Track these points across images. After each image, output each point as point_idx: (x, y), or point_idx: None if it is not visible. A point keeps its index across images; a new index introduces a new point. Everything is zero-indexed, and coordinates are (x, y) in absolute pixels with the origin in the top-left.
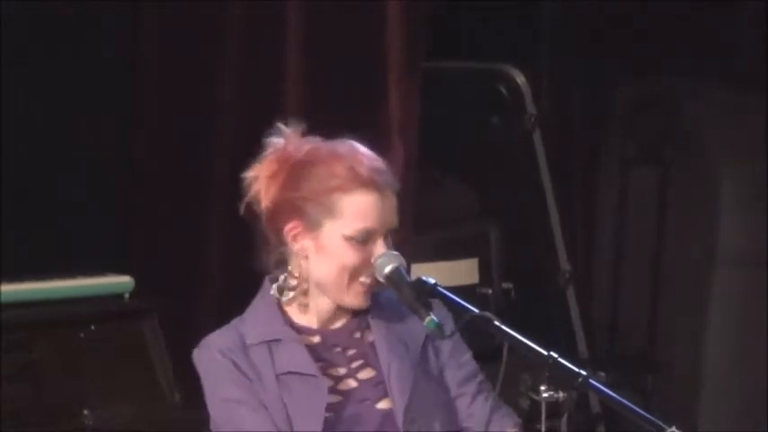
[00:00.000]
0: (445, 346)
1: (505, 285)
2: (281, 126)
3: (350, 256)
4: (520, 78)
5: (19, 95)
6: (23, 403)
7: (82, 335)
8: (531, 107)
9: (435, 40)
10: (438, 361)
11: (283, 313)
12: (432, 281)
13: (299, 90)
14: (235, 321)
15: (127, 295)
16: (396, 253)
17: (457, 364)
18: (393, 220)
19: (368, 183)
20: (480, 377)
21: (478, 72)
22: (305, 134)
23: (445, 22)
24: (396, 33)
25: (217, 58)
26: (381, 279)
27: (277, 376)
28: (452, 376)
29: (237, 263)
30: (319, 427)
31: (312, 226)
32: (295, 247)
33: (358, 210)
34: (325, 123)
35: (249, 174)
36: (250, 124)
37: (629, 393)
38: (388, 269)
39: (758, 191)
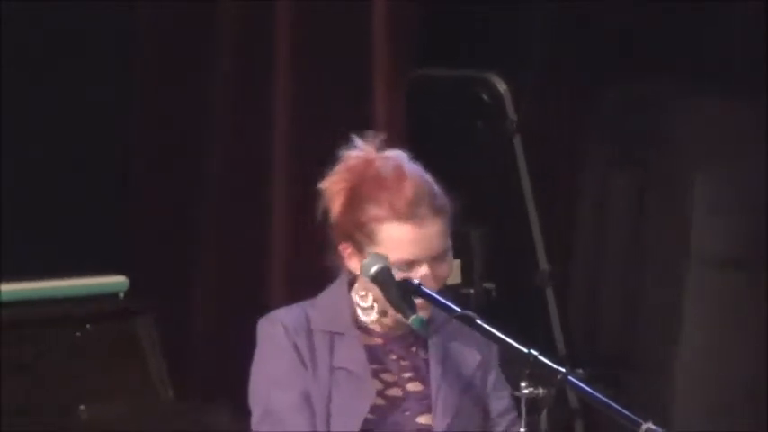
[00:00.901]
0: (491, 377)
1: (487, 285)
2: (356, 139)
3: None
4: (501, 86)
5: (20, 96)
6: (21, 399)
7: (78, 333)
8: (512, 113)
9: (423, 49)
10: (483, 388)
11: (352, 309)
12: (416, 281)
13: (291, 96)
14: (304, 303)
15: (122, 294)
16: (383, 254)
17: (498, 396)
18: (437, 246)
19: (404, 215)
20: (515, 413)
21: (463, 80)
22: (380, 147)
23: (432, 30)
24: (383, 42)
25: (213, 59)
26: (367, 278)
27: (331, 368)
28: (493, 407)
29: (230, 264)
30: (357, 426)
31: (359, 250)
32: (350, 266)
33: (394, 240)
34: (317, 125)
35: (322, 185)
36: (244, 127)
37: (606, 390)
38: (374, 269)
39: (733, 194)
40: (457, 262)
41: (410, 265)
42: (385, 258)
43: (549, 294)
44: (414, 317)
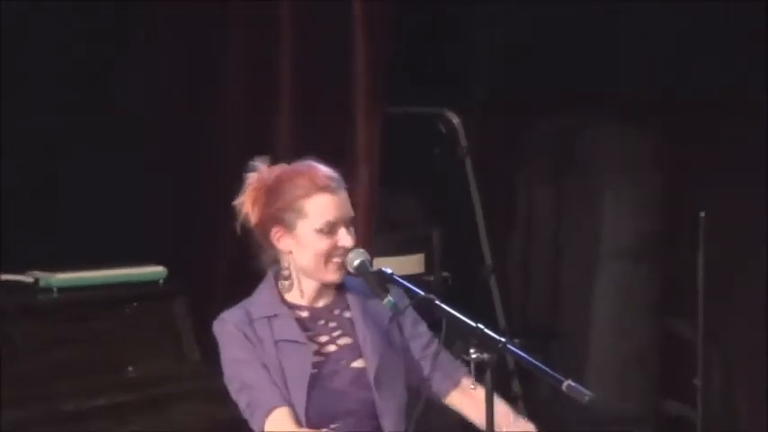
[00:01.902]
0: (406, 323)
1: (444, 274)
2: (254, 163)
3: (322, 244)
4: (455, 119)
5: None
6: (83, 362)
7: (127, 310)
8: (463, 141)
9: (393, 90)
10: (402, 335)
11: (280, 296)
12: (389, 270)
13: (293, 121)
14: (243, 302)
15: (161, 281)
16: (363, 250)
17: (417, 333)
18: (349, 211)
19: (323, 187)
20: (435, 341)
21: (425, 115)
22: (273, 164)
23: (400, 74)
24: (363, 85)
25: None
26: (351, 270)
27: (275, 342)
28: (415, 345)
29: (242, 259)
30: (306, 380)
31: (290, 228)
32: (280, 246)
33: (319, 208)
34: (313, 142)
35: (237, 201)
36: (255, 141)
37: (536, 355)
38: (356, 263)
39: (632, 202)
40: (421, 255)
41: (333, 226)
42: (363, 253)
43: (492, 282)
44: (387, 299)
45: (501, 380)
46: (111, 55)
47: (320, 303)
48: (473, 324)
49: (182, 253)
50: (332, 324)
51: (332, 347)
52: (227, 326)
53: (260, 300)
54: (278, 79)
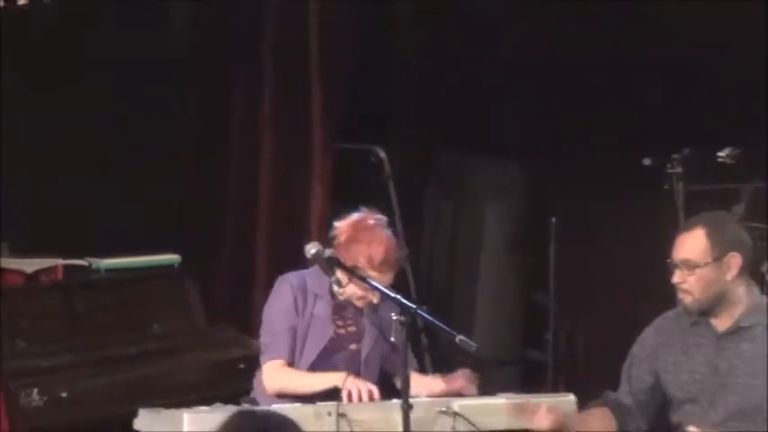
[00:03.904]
0: (396, 332)
1: None
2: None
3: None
4: (381, 153)
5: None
6: (122, 321)
7: (153, 285)
8: (387, 169)
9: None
10: (390, 329)
11: (329, 284)
12: (328, 253)
13: (272, 150)
14: (304, 272)
15: (176, 265)
16: (317, 243)
17: (398, 333)
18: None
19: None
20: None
21: (361, 150)
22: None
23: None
24: (319, 126)
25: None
26: (309, 256)
27: (311, 315)
28: (389, 357)
29: (244, 249)
30: (318, 350)
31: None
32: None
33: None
34: (284, 168)
35: (336, 224)
36: (247, 162)
37: (437, 318)
38: (313, 251)
39: (508, 209)
40: None
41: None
42: (318, 244)
43: (408, 267)
44: (334, 278)
45: (413, 336)
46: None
47: (348, 302)
48: (393, 294)
49: (192, 245)
50: (349, 314)
51: (342, 331)
52: (286, 284)
53: (316, 278)
54: (262, 124)
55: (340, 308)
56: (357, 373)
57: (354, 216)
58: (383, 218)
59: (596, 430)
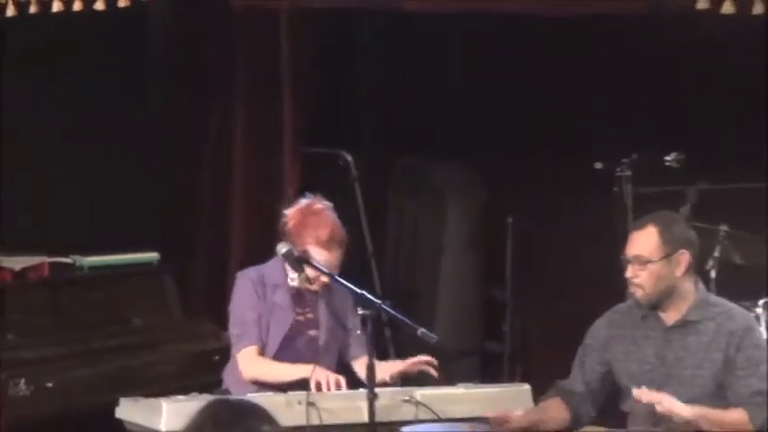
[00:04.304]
0: (352, 316)
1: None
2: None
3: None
4: (348, 157)
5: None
6: (105, 315)
7: (134, 281)
8: (353, 171)
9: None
10: (345, 317)
11: (285, 272)
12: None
13: (247, 153)
14: (260, 266)
15: (155, 262)
16: (287, 242)
17: (353, 322)
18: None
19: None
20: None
21: (329, 154)
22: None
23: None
24: (289, 134)
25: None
26: (279, 255)
27: (272, 304)
28: (350, 328)
29: (219, 248)
30: (281, 335)
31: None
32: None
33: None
34: (258, 169)
35: (286, 212)
36: (224, 168)
37: (400, 312)
38: (284, 250)
39: (467, 210)
40: None
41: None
42: (288, 244)
43: (372, 264)
44: (303, 275)
45: (378, 329)
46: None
47: (303, 288)
48: (359, 291)
49: (170, 244)
50: (306, 302)
51: (301, 318)
52: (246, 279)
53: (273, 270)
54: (236, 129)
55: (298, 296)
56: (316, 358)
57: (302, 202)
58: (328, 203)
59: (553, 420)
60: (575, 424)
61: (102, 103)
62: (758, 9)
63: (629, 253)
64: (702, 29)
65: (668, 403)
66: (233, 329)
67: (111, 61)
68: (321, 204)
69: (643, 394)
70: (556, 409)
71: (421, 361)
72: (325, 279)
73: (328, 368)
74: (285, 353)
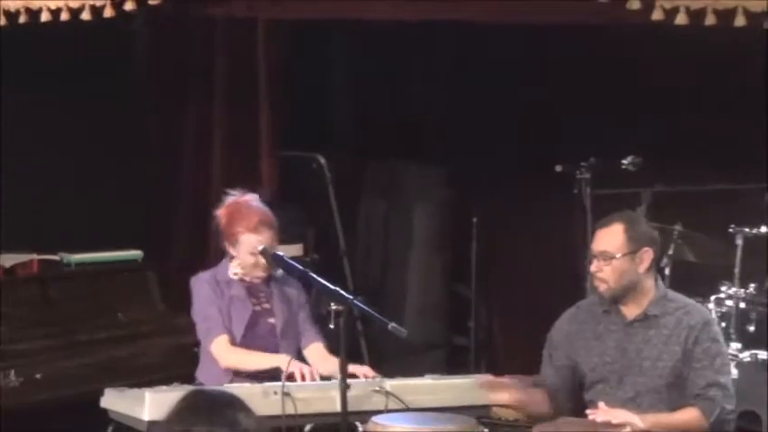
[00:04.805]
0: (302, 299)
1: (315, 256)
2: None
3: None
4: (322, 160)
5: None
6: (91, 310)
7: (118, 277)
8: (328, 174)
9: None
10: (297, 306)
11: (233, 272)
12: (281, 253)
13: (225, 157)
14: (212, 269)
15: (139, 260)
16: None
17: (304, 310)
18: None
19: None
20: (309, 314)
21: (304, 158)
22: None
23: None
24: (267, 138)
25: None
26: (258, 252)
27: (230, 297)
28: (302, 317)
29: (198, 247)
30: (243, 325)
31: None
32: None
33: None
34: (236, 171)
35: (216, 213)
36: (203, 172)
37: (371, 307)
38: (260, 248)
39: (434, 210)
40: (300, 245)
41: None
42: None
43: (345, 261)
44: (278, 271)
45: (351, 340)
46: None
47: (256, 279)
48: (332, 287)
49: (153, 242)
50: (261, 294)
51: (258, 308)
52: (201, 281)
53: (224, 270)
54: (215, 135)
55: (253, 288)
56: (277, 344)
57: (229, 200)
58: (254, 195)
59: (537, 406)
60: (555, 415)
61: (86, 107)
62: (710, 20)
63: (596, 248)
64: (657, 36)
65: (623, 417)
66: (201, 325)
67: (96, 66)
68: (247, 197)
69: (599, 413)
70: (540, 398)
71: (364, 372)
72: (262, 259)
73: (293, 351)
74: (250, 341)
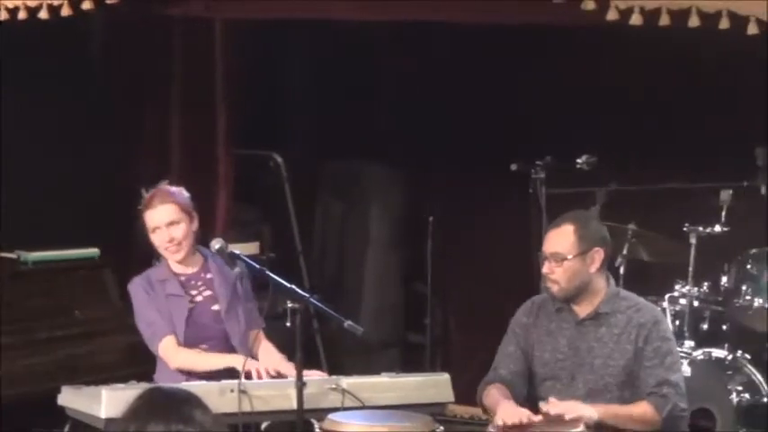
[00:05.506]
0: (246, 288)
1: (271, 255)
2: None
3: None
4: (279, 159)
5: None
6: (48, 308)
7: (75, 275)
8: (284, 173)
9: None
10: (243, 293)
11: (170, 267)
12: (237, 252)
13: (183, 155)
14: (147, 271)
15: (96, 258)
16: (221, 239)
17: (248, 303)
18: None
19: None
20: (254, 299)
21: (260, 156)
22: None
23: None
24: (222, 138)
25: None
26: (213, 251)
27: (166, 296)
28: (244, 310)
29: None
30: (183, 319)
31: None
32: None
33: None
34: (194, 169)
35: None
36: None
37: (327, 305)
38: (217, 246)
39: (390, 210)
40: (257, 243)
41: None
42: (221, 240)
43: (301, 259)
44: (237, 269)
45: (307, 336)
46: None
47: (190, 270)
48: (288, 285)
49: (110, 240)
50: (199, 283)
51: (199, 298)
52: (136, 285)
53: (157, 270)
54: (172, 134)
55: (190, 280)
56: (223, 331)
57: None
58: (169, 186)
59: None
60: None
61: (43, 106)
62: (665, 21)
63: (547, 250)
64: (611, 35)
65: (576, 410)
66: (145, 331)
67: (53, 64)
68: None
69: (551, 407)
70: (502, 394)
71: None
72: (173, 234)
73: (240, 334)
74: (195, 333)
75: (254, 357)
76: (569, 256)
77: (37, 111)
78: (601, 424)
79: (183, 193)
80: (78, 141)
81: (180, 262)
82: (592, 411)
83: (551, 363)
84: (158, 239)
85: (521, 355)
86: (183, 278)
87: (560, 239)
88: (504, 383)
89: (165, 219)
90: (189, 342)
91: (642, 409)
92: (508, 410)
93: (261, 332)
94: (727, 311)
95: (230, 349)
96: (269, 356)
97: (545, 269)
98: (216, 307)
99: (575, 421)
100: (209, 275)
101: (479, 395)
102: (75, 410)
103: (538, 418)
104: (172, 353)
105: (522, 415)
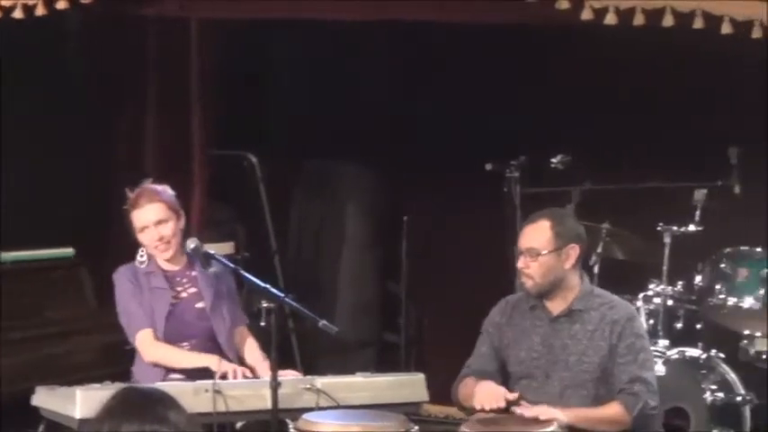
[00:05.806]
0: (230, 286)
1: (246, 254)
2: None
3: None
4: (253, 159)
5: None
6: (23, 307)
7: (51, 275)
8: (259, 173)
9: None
10: (227, 290)
11: (155, 261)
12: (212, 251)
13: (159, 156)
14: (133, 262)
15: (72, 257)
16: (195, 238)
17: (232, 300)
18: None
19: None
20: (236, 297)
21: (235, 156)
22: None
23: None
24: (198, 139)
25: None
26: (188, 252)
27: (150, 289)
28: (228, 308)
29: (131, 246)
30: (164, 314)
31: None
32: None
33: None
34: (170, 170)
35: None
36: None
37: (302, 305)
38: (192, 246)
39: (367, 209)
40: (232, 242)
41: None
42: (196, 240)
43: (276, 259)
44: (211, 269)
45: (282, 336)
46: None
47: (177, 267)
48: (263, 285)
49: (85, 240)
50: (185, 280)
51: (184, 294)
52: (121, 274)
53: (144, 262)
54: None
55: (175, 276)
56: (209, 329)
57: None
58: (149, 180)
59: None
60: None
61: (19, 106)
62: (639, 20)
63: (522, 245)
64: (586, 35)
65: (548, 413)
66: (124, 322)
67: (27, 66)
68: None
69: (524, 410)
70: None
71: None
72: (162, 233)
73: (226, 331)
74: (176, 329)
75: (241, 354)
76: (544, 252)
77: (9, 110)
78: (572, 427)
79: (168, 191)
80: (53, 141)
81: (167, 260)
82: (563, 415)
83: (527, 361)
84: (147, 239)
85: (494, 355)
86: (168, 274)
87: (536, 235)
88: (476, 377)
89: (154, 218)
90: (171, 338)
91: (613, 410)
92: (486, 393)
93: (246, 328)
94: (702, 310)
95: (213, 348)
96: (252, 354)
97: (520, 264)
98: (200, 304)
99: (548, 421)
100: (194, 273)
101: (454, 391)
102: (49, 411)
103: (514, 396)
104: (147, 346)
105: (499, 397)
